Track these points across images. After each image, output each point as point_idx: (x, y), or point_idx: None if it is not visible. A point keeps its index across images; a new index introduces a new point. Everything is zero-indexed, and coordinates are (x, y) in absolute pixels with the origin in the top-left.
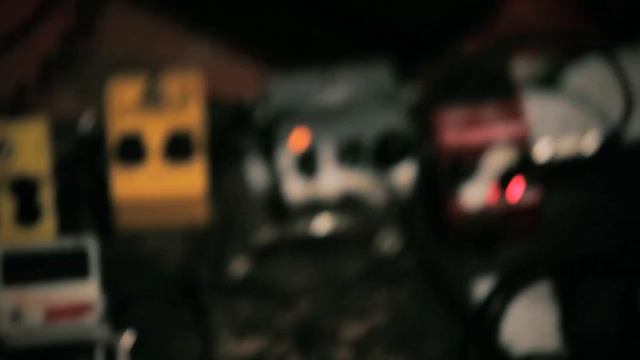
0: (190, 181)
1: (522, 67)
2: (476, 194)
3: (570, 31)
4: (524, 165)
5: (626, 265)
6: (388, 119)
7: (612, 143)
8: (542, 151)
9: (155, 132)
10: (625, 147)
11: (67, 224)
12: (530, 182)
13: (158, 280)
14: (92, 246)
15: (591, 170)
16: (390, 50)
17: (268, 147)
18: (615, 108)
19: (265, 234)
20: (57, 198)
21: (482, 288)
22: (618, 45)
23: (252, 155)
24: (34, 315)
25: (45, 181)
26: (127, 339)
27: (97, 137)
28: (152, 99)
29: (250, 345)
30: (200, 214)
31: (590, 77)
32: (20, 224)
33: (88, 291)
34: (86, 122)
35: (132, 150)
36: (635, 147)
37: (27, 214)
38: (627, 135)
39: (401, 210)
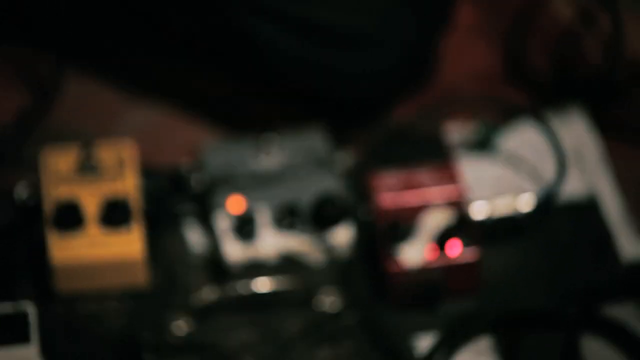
0: (128, 245)
1: (456, 131)
2: (414, 253)
3: (501, 96)
4: (461, 225)
5: (566, 318)
6: (324, 183)
7: (546, 202)
8: (478, 211)
9: (91, 198)
10: (558, 205)
11: (5, 289)
12: (467, 240)
13: (99, 343)
14: (31, 312)
15: (526, 228)
16: (325, 117)
17: (205, 211)
18: (547, 169)
19: (206, 294)
20: None
21: (424, 343)
22: (548, 109)
23: (190, 219)
24: None
25: None
26: None
27: (34, 205)
28: (87, 167)
29: None
30: (140, 276)
31: (521, 140)
32: None
33: (29, 356)
34: (22, 191)
35: (69, 217)
36: (568, 205)
37: None
38: (560, 195)
39: (340, 270)
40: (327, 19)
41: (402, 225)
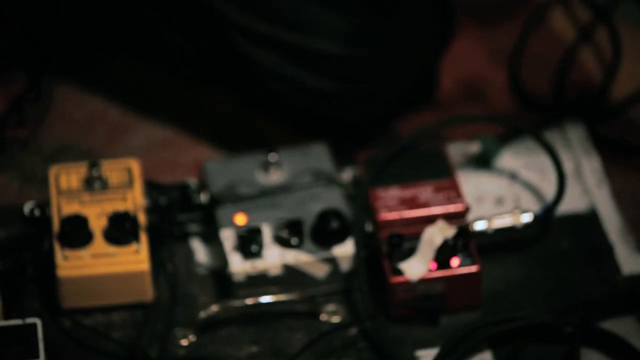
0: (134, 260)
1: (457, 149)
2: (416, 266)
3: (502, 114)
4: (462, 239)
5: (566, 331)
6: (327, 199)
7: (546, 218)
8: (479, 226)
9: (98, 215)
10: (558, 219)
11: (13, 303)
12: (468, 254)
13: (105, 356)
14: (39, 327)
15: (526, 243)
16: (328, 134)
17: (210, 227)
18: (547, 186)
19: (211, 307)
20: (3, 279)
21: (426, 357)
22: (547, 127)
23: (196, 235)
24: None
25: None
26: None
27: (42, 221)
28: (94, 184)
29: None
30: (146, 291)
31: (522, 157)
32: None
33: None
34: (30, 207)
35: (76, 233)
36: (568, 219)
37: None
38: (559, 210)
39: (343, 283)
40: (327, 47)
41: (404, 238)
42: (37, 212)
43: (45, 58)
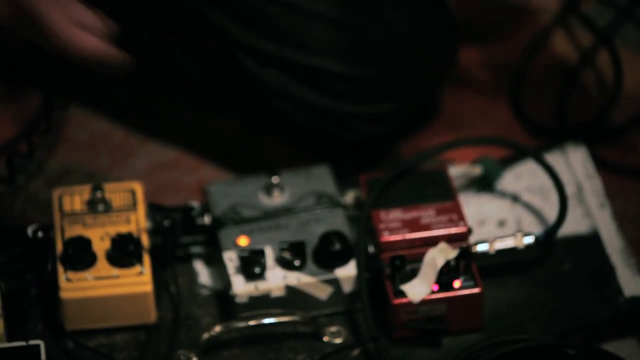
0: (137, 282)
1: (459, 171)
2: (419, 288)
3: (504, 137)
4: (464, 260)
5: (568, 353)
6: (330, 221)
7: (548, 240)
8: (481, 248)
9: (101, 237)
10: (560, 241)
11: (17, 324)
12: (470, 275)
13: None
14: (43, 349)
15: (528, 265)
16: (331, 156)
17: (213, 248)
18: (548, 208)
19: (213, 329)
20: (6, 301)
21: None
22: (549, 149)
23: (199, 256)
24: None
25: None
26: None
27: (46, 243)
28: (97, 207)
29: None
30: (149, 313)
31: (524, 179)
32: None
33: None
34: (34, 229)
35: (80, 254)
36: (570, 241)
37: None
38: (561, 232)
39: (346, 304)
40: (333, 68)
41: (406, 260)
42: (40, 234)
43: (59, 80)
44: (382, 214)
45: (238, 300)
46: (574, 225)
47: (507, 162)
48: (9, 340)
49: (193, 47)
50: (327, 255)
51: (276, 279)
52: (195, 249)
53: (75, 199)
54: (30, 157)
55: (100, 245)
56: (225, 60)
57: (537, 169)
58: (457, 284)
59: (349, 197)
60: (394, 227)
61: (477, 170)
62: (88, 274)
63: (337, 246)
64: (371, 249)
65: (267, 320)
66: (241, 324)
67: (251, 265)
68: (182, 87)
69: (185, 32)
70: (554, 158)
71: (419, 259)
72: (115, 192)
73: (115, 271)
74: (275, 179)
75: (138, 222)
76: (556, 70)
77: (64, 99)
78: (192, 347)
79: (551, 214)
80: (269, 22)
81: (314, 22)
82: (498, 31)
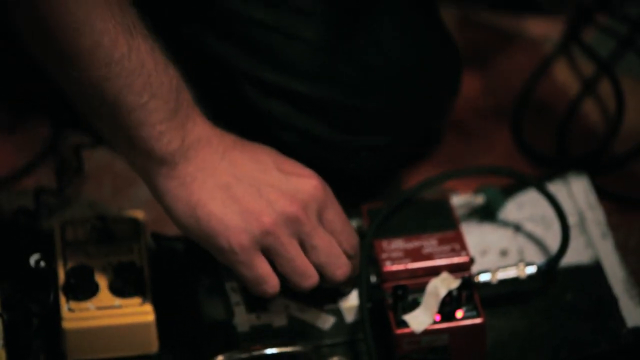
0: (140, 312)
1: (461, 200)
2: (421, 318)
3: (506, 167)
4: (466, 290)
5: None
6: None
7: (550, 271)
8: (483, 278)
9: (103, 266)
10: (562, 271)
11: (19, 355)
12: (473, 305)
13: None
14: None
15: (531, 295)
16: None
17: (217, 278)
18: (551, 238)
19: (216, 359)
20: (8, 331)
21: None
22: (551, 179)
23: (202, 286)
24: None
25: None
26: None
27: (48, 273)
28: (100, 237)
29: None
30: (151, 343)
31: (526, 209)
32: None
33: None
34: (37, 258)
35: (82, 284)
36: (572, 271)
37: None
38: (563, 262)
39: (349, 334)
40: (337, 98)
41: (408, 290)
42: (42, 264)
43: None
44: (384, 244)
45: (240, 329)
46: (576, 255)
47: (509, 191)
48: None
49: (196, 76)
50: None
51: (278, 309)
52: (198, 279)
53: (77, 228)
54: (60, 195)
55: (103, 275)
56: (228, 90)
57: (540, 198)
58: (459, 314)
59: (354, 226)
60: (396, 256)
61: (479, 199)
62: (90, 304)
63: None
64: (373, 278)
65: (269, 351)
66: (243, 354)
67: (253, 295)
68: None
69: (188, 61)
70: (556, 188)
71: (421, 288)
72: (117, 222)
73: (117, 301)
74: None
75: (140, 252)
76: (558, 99)
77: (95, 138)
78: None
79: (553, 243)
80: (272, 51)
81: (318, 53)
82: (499, 60)
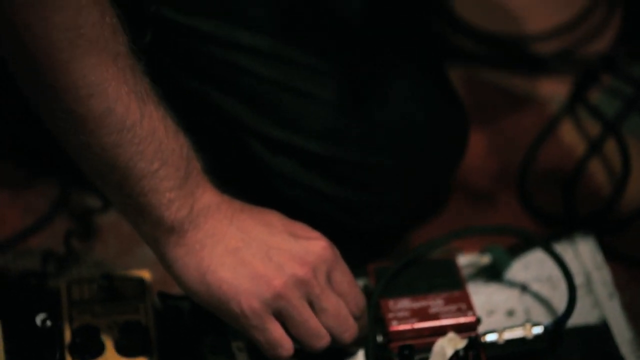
0: None
1: (468, 260)
2: None
3: (513, 226)
4: (473, 351)
5: None
6: None
7: (557, 331)
8: (490, 338)
9: (109, 325)
10: (569, 330)
11: None
12: None
13: None
14: None
15: (538, 356)
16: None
17: (223, 338)
18: (557, 298)
19: None
20: None
21: None
22: (558, 239)
23: (208, 346)
24: None
25: None
26: None
27: (54, 332)
28: (106, 296)
29: None
30: None
31: (532, 269)
32: None
33: None
34: (43, 318)
35: (88, 344)
36: (579, 330)
37: None
38: (570, 323)
39: None
40: (344, 156)
41: (415, 350)
42: (49, 323)
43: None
44: (391, 303)
45: None
46: (583, 315)
47: (516, 251)
48: None
49: (203, 132)
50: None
51: None
52: (204, 338)
53: (83, 287)
54: (67, 260)
55: (109, 335)
56: (236, 146)
57: (546, 258)
58: None
59: (361, 285)
60: (402, 316)
61: (485, 259)
62: None
63: None
64: (380, 338)
65: None
66: None
67: (260, 354)
68: None
69: (195, 116)
70: (562, 248)
71: (428, 348)
72: (123, 281)
73: None
74: None
75: (146, 311)
76: (564, 159)
77: (104, 201)
78: None
79: (560, 304)
80: (280, 108)
81: (326, 110)
82: (506, 120)
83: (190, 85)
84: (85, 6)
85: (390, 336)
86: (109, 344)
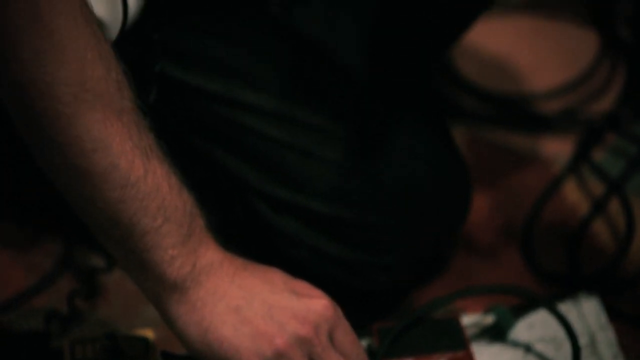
0: None
1: (471, 320)
2: None
3: (517, 286)
4: None
5: None
6: None
7: None
8: None
9: None
10: None
11: None
12: None
13: None
14: None
15: None
16: (343, 304)
17: None
18: (561, 359)
19: None
20: None
21: None
22: (562, 300)
23: None
24: None
25: None
26: None
27: None
28: (110, 355)
29: None
30: None
31: (536, 330)
32: None
33: None
34: None
35: None
36: None
37: None
38: None
39: None
40: (349, 216)
41: None
42: None
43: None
44: None
45: None
46: None
47: (520, 311)
48: None
49: (208, 188)
50: None
51: None
52: None
53: (87, 347)
54: (71, 320)
55: None
56: (240, 204)
57: (550, 318)
58: None
59: (364, 344)
60: None
61: (489, 319)
62: None
63: None
64: None
65: None
66: None
67: None
68: None
69: (200, 172)
70: (567, 308)
71: None
72: (127, 341)
73: None
74: None
75: None
76: (568, 219)
77: (108, 261)
78: None
79: None
80: (284, 168)
81: (330, 169)
82: (509, 179)
83: (194, 141)
84: (90, 61)
85: None
86: None
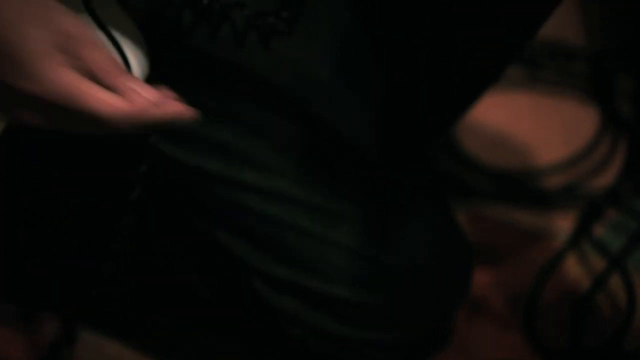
0: None
1: None
2: None
3: None
4: None
5: None
6: None
7: None
8: None
9: None
10: None
11: None
12: None
13: None
14: None
15: None
16: None
17: None
18: None
19: None
20: None
21: None
22: None
23: None
24: None
25: None
26: None
27: None
28: None
29: None
30: None
31: None
32: None
33: None
34: None
35: None
36: None
37: None
38: None
39: None
40: (349, 296)
41: None
42: None
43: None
44: None
45: None
46: None
47: None
48: None
49: (206, 270)
50: None
51: None
52: None
53: None
54: None
55: None
56: (239, 284)
57: None
58: None
59: None
60: None
61: None
62: None
63: None
64: None
65: None
66: None
67: None
68: (194, 308)
69: (200, 255)
70: None
71: None
72: None
73: None
74: None
75: None
76: (569, 294)
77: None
78: None
79: None
80: (285, 248)
81: (332, 250)
82: (510, 254)
83: (193, 221)
84: None
85: None
86: None
